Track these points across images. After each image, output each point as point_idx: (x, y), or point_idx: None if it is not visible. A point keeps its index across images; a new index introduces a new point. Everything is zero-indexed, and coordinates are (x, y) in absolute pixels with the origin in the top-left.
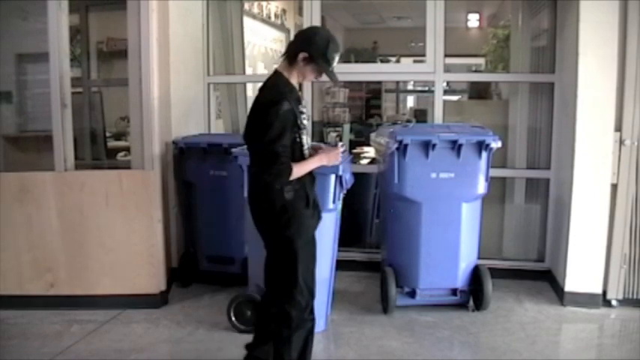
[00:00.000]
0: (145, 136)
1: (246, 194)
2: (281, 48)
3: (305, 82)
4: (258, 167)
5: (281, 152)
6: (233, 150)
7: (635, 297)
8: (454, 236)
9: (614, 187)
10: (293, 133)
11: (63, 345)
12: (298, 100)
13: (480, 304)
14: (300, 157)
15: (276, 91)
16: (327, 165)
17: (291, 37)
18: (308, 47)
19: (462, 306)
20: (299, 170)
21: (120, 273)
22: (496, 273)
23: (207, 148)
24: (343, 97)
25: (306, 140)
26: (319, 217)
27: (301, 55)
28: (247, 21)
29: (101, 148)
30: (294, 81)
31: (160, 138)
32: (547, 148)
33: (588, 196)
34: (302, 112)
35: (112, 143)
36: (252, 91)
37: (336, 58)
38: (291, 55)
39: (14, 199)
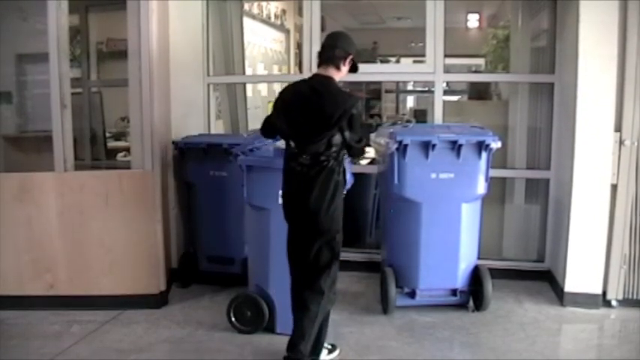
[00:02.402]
0: (145, 136)
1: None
2: (281, 48)
3: None
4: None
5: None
6: (234, 150)
7: (635, 297)
8: (454, 237)
9: (614, 188)
10: None
11: (63, 345)
12: None
13: (479, 304)
14: None
15: (345, 92)
16: None
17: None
18: (352, 48)
19: (461, 306)
20: None
21: (120, 273)
22: (496, 273)
23: (207, 148)
24: None
25: None
26: None
27: (350, 57)
28: (247, 21)
29: (101, 149)
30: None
31: (160, 138)
32: (547, 149)
33: (588, 197)
34: None
35: (112, 143)
36: (252, 92)
37: None
38: (340, 58)
39: (14, 199)
